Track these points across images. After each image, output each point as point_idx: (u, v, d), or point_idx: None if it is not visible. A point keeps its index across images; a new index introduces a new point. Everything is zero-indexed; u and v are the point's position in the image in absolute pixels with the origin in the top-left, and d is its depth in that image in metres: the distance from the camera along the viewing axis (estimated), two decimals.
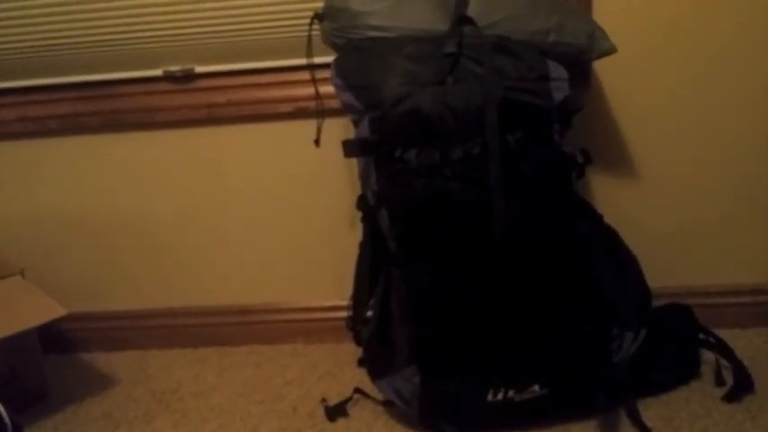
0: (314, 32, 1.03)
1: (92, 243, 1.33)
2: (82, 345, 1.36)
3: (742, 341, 1.14)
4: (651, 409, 1.00)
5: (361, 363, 1.19)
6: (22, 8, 1.19)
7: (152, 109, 1.24)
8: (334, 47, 1.02)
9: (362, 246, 1.06)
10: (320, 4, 1.02)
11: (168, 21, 1.18)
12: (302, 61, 1.08)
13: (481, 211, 0.88)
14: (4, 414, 0.95)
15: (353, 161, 1.00)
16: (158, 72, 1.22)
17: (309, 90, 1.10)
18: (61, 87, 1.25)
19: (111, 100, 1.24)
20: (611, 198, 1.18)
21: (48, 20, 1.19)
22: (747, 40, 1.09)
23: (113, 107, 1.24)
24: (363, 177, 0.98)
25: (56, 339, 1.33)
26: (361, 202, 1.02)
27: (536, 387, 0.95)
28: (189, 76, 1.22)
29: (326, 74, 0.99)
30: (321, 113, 1.10)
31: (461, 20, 0.93)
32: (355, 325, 1.08)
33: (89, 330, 1.36)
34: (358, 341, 1.11)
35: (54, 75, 1.25)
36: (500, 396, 0.95)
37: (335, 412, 1.07)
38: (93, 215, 1.31)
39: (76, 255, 1.34)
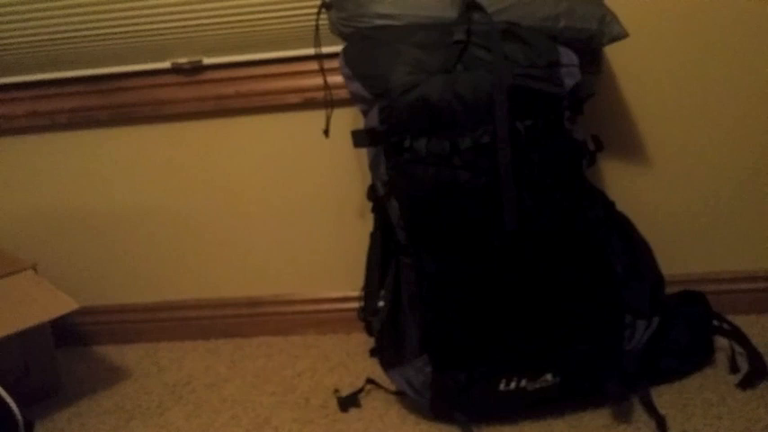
0: (321, 22, 1.02)
1: (103, 236, 1.33)
2: (94, 338, 1.37)
3: (756, 327, 1.13)
4: (664, 397, 1.00)
5: (373, 353, 1.19)
6: (30, 2, 1.18)
7: (160, 102, 1.24)
8: (342, 36, 1.01)
9: (373, 236, 1.06)
10: None
11: (176, 13, 1.17)
12: (310, 51, 1.08)
13: (491, 200, 0.88)
14: (16, 410, 0.95)
15: (363, 151, 1.00)
16: (166, 64, 1.22)
17: (318, 80, 1.09)
18: (70, 81, 1.25)
19: (120, 93, 1.24)
20: (623, 184, 1.17)
21: (55, 14, 1.19)
22: (760, 22, 1.08)
23: (122, 100, 1.24)
24: (373, 167, 0.97)
25: (68, 333, 1.34)
26: (371, 192, 1.02)
27: (548, 376, 0.94)
28: (197, 68, 1.22)
29: (335, 64, 0.99)
30: (330, 104, 1.10)
31: (470, 6, 0.93)
32: (366, 315, 1.08)
33: (101, 324, 1.36)
34: (369, 331, 1.11)
35: (62, 69, 1.25)
36: (512, 385, 0.94)
37: (348, 403, 1.07)
38: (104, 209, 1.32)
39: (88, 248, 1.34)
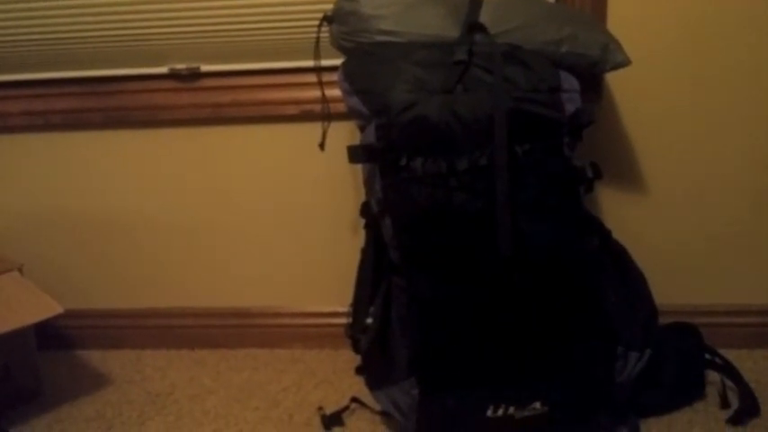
0: (322, 35, 1.01)
1: (91, 240, 1.32)
2: (78, 342, 1.35)
3: (748, 363, 1.12)
4: (654, 431, 0.98)
5: (359, 371, 1.17)
6: (29, 1, 1.17)
7: (156, 107, 1.22)
8: (343, 50, 1.00)
9: (364, 252, 1.05)
10: (329, 6, 1.00)
11: (175, 18, 1.16)
12: (309, 63, 1.06)
13: (486, 223, 0.86)
14: None
15: (358, 166, 0.98)
16: (164, 70, 1.20)
17: (316, 93, 1.08)
18: (66, 82, 1.24)
19: (116, 96, 1.23)
20: (619, 213, 1.16)
21: (54, 13, 1.18)
22: (762, 55, 1.07)
23: (117, 104, 1.23)
24: (368, 184, 0.96)
25: (51, 336, 1.32)
26: (365, 210, 1.00)
27: (537, 404, 0.93)
28: (194, 75, 1.21)
29: (334, 77, 0.98)
30: (327, 117, 1.08)
31: (473, 27, 0.92)
32: (354, 333, 1.06)
33: (86, 328, 1.34)
34: (356, 349, 1.09)
35: (59, 69, 1.23)
36: (500, 412, 0.93)
37: (332, 421, 1.06)
38: (93, 212, 1.30)
39: (75, 251, 1.32)
